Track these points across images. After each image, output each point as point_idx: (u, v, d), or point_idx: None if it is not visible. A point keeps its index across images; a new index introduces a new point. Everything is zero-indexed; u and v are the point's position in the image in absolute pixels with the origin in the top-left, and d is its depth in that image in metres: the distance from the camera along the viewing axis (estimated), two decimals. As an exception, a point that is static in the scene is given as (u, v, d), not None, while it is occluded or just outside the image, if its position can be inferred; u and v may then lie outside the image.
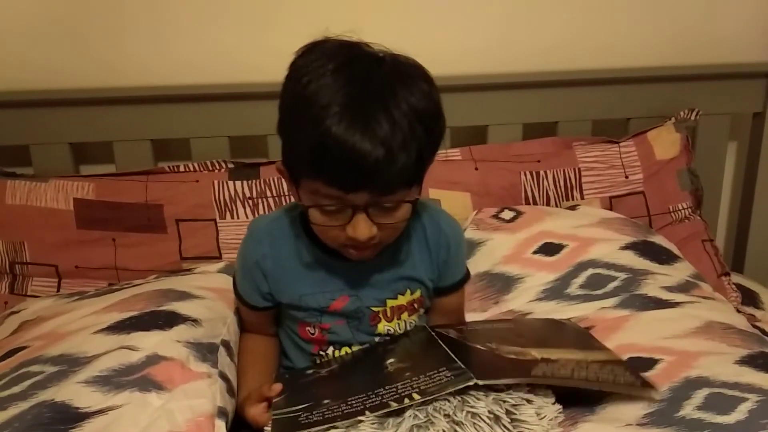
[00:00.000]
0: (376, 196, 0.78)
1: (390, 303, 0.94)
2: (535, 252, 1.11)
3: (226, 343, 0.94)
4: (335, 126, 0.74)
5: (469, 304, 1.06)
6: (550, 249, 1.11)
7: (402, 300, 0.94)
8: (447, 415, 0.74)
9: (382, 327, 0.94)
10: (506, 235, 1.16)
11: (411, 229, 0.94)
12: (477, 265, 1.12)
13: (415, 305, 0.96)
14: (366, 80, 0.77)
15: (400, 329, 0.95)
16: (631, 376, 0.79)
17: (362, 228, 0.80)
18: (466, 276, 1.01)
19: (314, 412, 0.77)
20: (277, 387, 0.85)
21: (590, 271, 1.06)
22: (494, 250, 1.14)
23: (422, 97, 0.78)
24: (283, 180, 1.26)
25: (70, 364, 0.85)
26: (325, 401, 0.78)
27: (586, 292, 1.03)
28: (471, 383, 0.74)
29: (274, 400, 0.84)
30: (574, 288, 1.04)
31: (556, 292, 1.04)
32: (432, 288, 0.97)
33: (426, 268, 0.95)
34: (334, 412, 0.76)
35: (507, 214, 1.22)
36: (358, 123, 0.74)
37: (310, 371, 0.91)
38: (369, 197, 0.78)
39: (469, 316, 1.04)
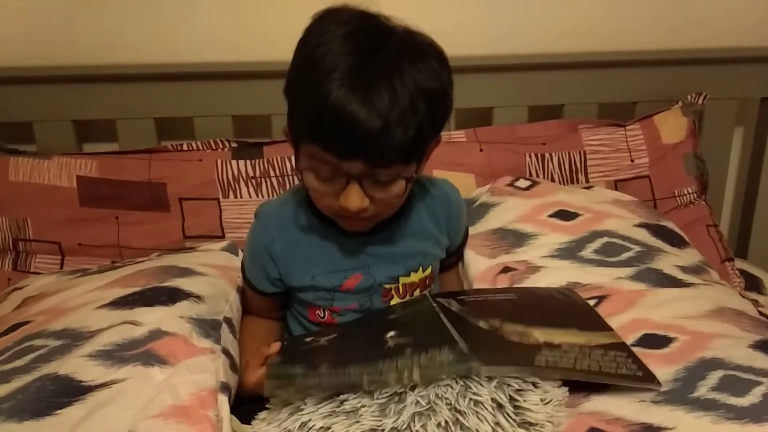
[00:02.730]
0: (371, 167, 0.78)
1: (402, 280, 0.94)
2: (550, 216, 1.11)
3: (228, 320, 0.94)
4: (335, 91, 0.73)
5: (480, 250, 1.07)
6: (565, 215, 1.11)
7: (414, 277, 0.94)
8: (449, 403, 0.73)
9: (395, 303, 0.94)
10: (521, 199, 1.17)
11: (421, 203, 0.94)
12: (490, 222, 1.12)
13: (427, 282, 0.96)
14: (374, 50, 0.76)
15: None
16: (633, 365, 0.79)
17: (353, 198, 0.79)
18: (466, 235, 1.06)
19: (310, 374, 0.77)
20: (276, 345, 0.85)
21: (605, 239, 1.06)
22: (508, 210, 1.14)
23: (430, 76, 0.78)
24: (286, 159, 1.27)
25: (73, 338, 0.85)
26: (323, 369, 0.78)
27: (600, 258, 1.03)
28: (472, 373, 0.73)
29: (270, 361, 0.84)
30: (588, 252, 1.04)
31: (570, 252, 1.04)
32: (442, 257, 1.00)
33: (438, 240, 0.97)
34: (331, 378, 0.75)
35: (523, 183, 1.22)
36: (358, 90, 0.73)
37: (309, 338, 0.90)
38: (363, 167, 0.77)
39: (477, 261, 1.05)
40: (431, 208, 0.95)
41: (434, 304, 0.87)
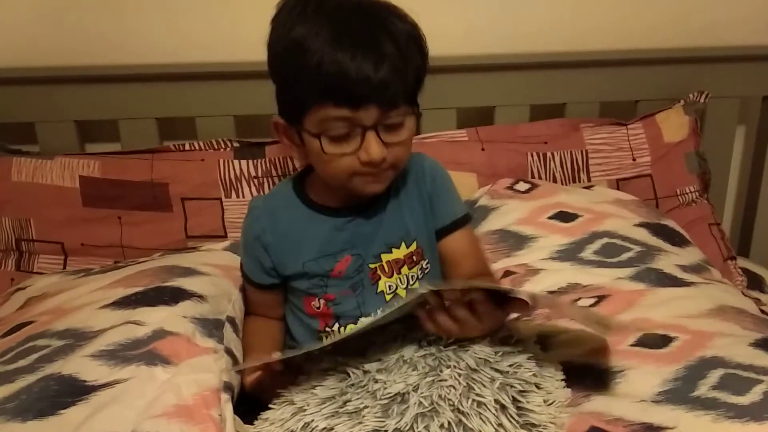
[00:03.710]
0: (384, 112, 0.81)
1: (385, 257, 0.93)
2: (549, 218, 1.12)
3: (231, 320, 0.94)
4: (335, 45, 0.78)
5: None
6: (565, 217, 1.12)
7: (397, 254, 0.94)
8: (452, 404, 0.73)
9: (383, 284, 0.93)
10: (521, 202, 1.17)
11: (399, 178, 0.95)
12: (490, 224, 1.13)
13: (414, 258, 0.95)
14: (352, 9, 0.81)
15: (402, 284, 0.94)
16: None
17: (375, 147, 0.82)
18: (468, 217, 1.01)
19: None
20: (276, 354, 0.85)
21: (605, 240, 1.06)
22: (508, 213, 1.15)
23: (407, 20, 0.84)
24: (288, 159, 1.27)
25: (77, 338, 0.85)
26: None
27: (600, 259, 1.03)
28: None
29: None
30: (588, 253, 1.04)
31: (570, 254, 1.04)
32: (433, 232, 0.98)
33: (417, 214, 0.96)
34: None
35: (522, 186, 1.23)
36: (361, 41, 0.78)
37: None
38: (377, 114, 0.80)
39: None
40: (410, 182, 0.96)
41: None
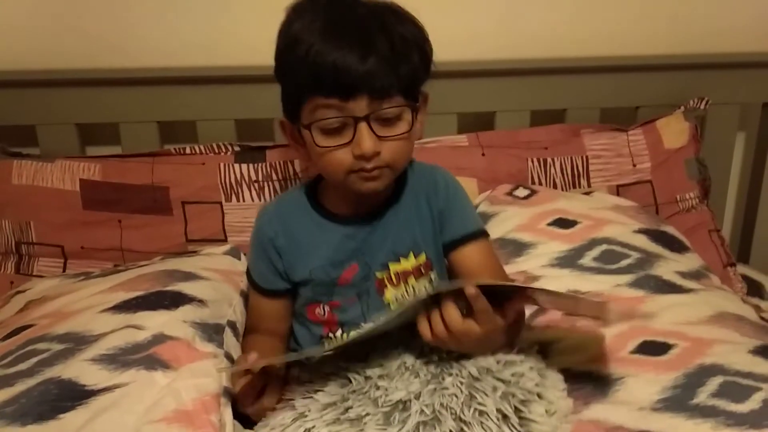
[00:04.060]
0: (376, 102, 0.80)
1: (393, 267, 0.93)
2: (549, 224, 1.12)
3: (232, 324, 0.94)
4: (325, 35, 0.79)
5: None
6: (564, 223, 1.12)
7: (406, 264, 0.94)
8: (454, 413, 0.73)
9: (390, 295, 0.93)
10: (520, 208, 1.17)
11: (410, 189, 0.95)
12: (490, 232, 1.10)
13: (422, 269, 0.95)
14: (351, 7, 0.82)
15: (408, 294, 0.93)
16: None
17: (366, 139, 0.81)
18: (481, 231, 0.97)
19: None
20: (253, 355, 0.82)
21: (604, 247, 1.06)
22: (507, 220, 1.15)
23: (410, 23, 0.85)
24: (288, 163, 1.27)
25: (77, 342, 0.85)
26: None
27: (599, 265, 1.03)
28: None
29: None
30: (587, 260, 1.04)
31: (569, 260, 1.05)
32: (442, 245, 0.96)
33: (427, 226, 0.95)
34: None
35: (521, 192, 1.23)
36: (352, 34, 0.79)
37: None
38: (368, 104, 0.80)
39: None
40: (421, 194, 0.95)
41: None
